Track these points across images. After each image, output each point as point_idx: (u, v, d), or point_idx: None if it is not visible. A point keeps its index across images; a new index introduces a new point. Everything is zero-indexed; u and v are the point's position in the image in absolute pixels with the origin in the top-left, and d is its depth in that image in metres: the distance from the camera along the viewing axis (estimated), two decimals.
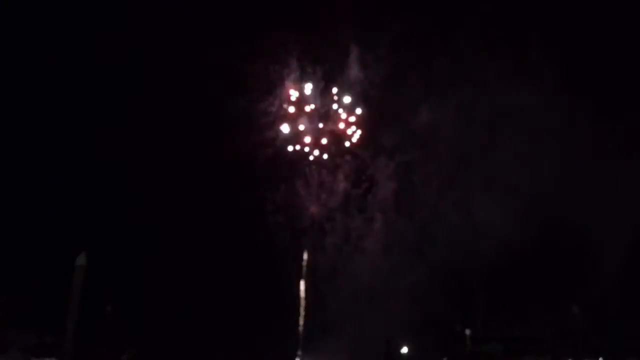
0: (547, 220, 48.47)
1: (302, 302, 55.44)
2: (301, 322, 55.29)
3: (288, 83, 54.79)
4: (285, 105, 55.14)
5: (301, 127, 54.50)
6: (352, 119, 55.40)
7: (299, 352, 54.03)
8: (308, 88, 54.68)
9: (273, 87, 54.49)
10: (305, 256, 56.28)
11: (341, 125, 55.45)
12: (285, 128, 53.82)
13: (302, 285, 55.47)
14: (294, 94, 54.71)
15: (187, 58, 50.59)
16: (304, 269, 56.06)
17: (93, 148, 49.12)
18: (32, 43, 49.14)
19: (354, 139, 55.61)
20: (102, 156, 49.66)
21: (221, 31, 50.11)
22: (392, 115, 55.96)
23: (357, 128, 55.60)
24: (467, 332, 44.60)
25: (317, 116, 55.77)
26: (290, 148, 54.98)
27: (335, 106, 55.26)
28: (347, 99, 55.21)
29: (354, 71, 55.86)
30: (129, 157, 49.70)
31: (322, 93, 55.74)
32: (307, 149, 55.67)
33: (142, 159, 50.35)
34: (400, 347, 49.42)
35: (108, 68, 50.18)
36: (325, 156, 56.19)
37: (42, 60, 48.73)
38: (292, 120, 54.73)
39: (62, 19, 50.21)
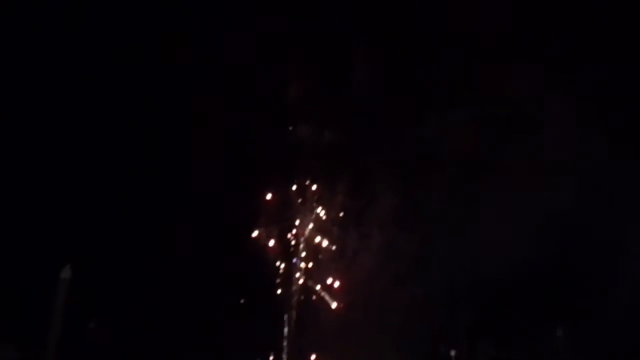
0: (549, 241, 48.34)
1: (289, 316, 55.20)
2: (286, 334, 55.18)
3: None
4: None
5: None
6: None
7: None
8: None
9: None
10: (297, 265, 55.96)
11: None
12: None
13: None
14: None
15: None
16: (295, 281, 55.83)
17: (76, 160, 48.95)
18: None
19: None
20: (85, 167, 49.53)
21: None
22: (393, 123, 55.24)
23: None
24: (452, 353, 44.64)
25: None
26: None
27: None
28: None
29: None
30: (115, 167, 49.69)
31: None
32: None
33: (128, 167, 50.30)
34: None
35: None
36: None
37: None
38: None
39: None
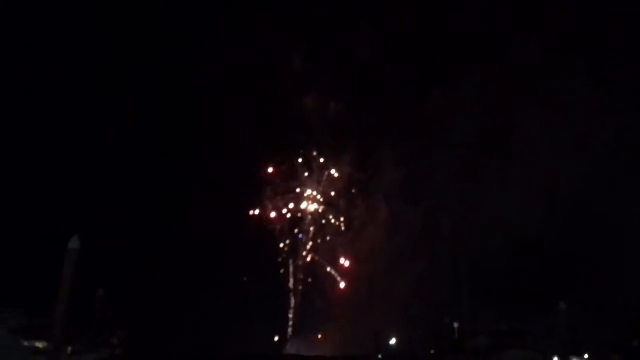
0: (554, 216, 48.39)
1: (295, 290, 55.44)
2: (292, 307, 55.46)
3: None
4: None
5: None
6: None
7: (290, 337, 54.28)
8: None
9: None
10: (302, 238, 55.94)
11: None
12: None
13: (291, 269, 55.43)
14: None
15: None
16: (300, 255, 55.89)
17: (84, 132, 49.15)
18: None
19: None
20: (93, 139, 49.75)
21: None
22: (400, 98, 54.62)
23: None
24: (456, 325, 44.96)
25: None
26: None
27: None
28: None
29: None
30: (122, 141, 49.84)
31: None
32: None
33: (135, 143, 50.44)
34: (390, 339, 49.75)
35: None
36: None
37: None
38: None
39: None
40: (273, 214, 55.47)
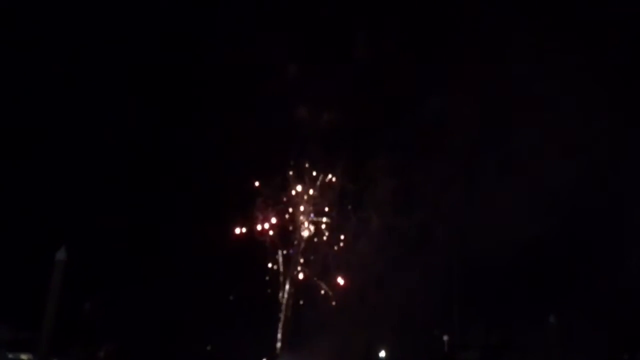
0: (544, 229, 48.17)
1: (284, 303, 55.05)
2: (281, 322, 55.05)
3: None
4: None
5: None
6: None
7: (278, 352, 53.89)
8: None
9: None
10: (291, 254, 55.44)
11: None
12: None
13: (286, 286, 55.04)
14: None
15: None
16: (290, 269, 55.46)
17: (70, 142, 48.85)
18: None
19: None
20: (80, 150, 49.45)
21: None
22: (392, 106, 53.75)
23: None
24: (445, 338, 44.91)
25: None
26: None
27: None
28: None
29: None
30: (108, 152, 49.55)
31: None
32: None
33: (118, 155, 50.11)
34: (379, 351, 49.58)
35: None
36: None
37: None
38: None
39: None
40: (262, 227, 55.09)
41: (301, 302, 54.47)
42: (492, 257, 47.67)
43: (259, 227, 54.19)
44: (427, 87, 52.84)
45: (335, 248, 54.82)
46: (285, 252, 55.11)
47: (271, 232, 54.20)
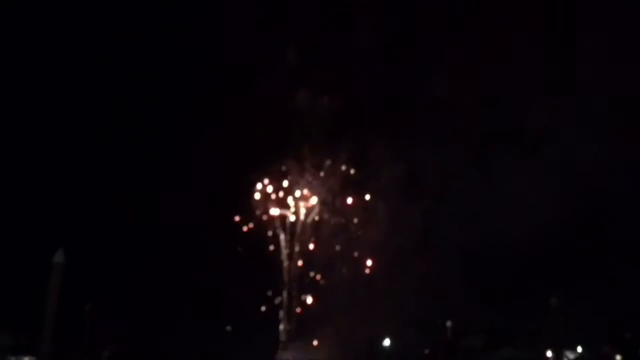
0: (547, 214, 47.83)
1: (289, 295, 54.66)
2: (284, 313, 54.79)
3: None
4: None
5: None
6: None
7: (282, 343, 53.73)
8: None
9: None
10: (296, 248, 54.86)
11: None
12: None
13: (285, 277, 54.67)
14: None
15: None
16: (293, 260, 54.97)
17: (70, 147, 48.51)
18: None
19: None
20: (78, 154, 49.13)
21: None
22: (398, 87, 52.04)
23: None
24: (448, 324, 44.89)
25: None
26: None
27: None
28: None
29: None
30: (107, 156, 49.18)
31: None
32: None
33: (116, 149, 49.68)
34: (383, 340, 49.52)
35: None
36: None
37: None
38: None
39: None
40: (265, 216, 54.64)
41: (305, 290, 54.10)
42: (495, 244, 47.58)
43: (264, 218, 53.82)
44: (432, 70, 51.66)
45: (339, 231, 54.26)
46: (288, 240, 54.76)
47: (271, 222, 53.95)
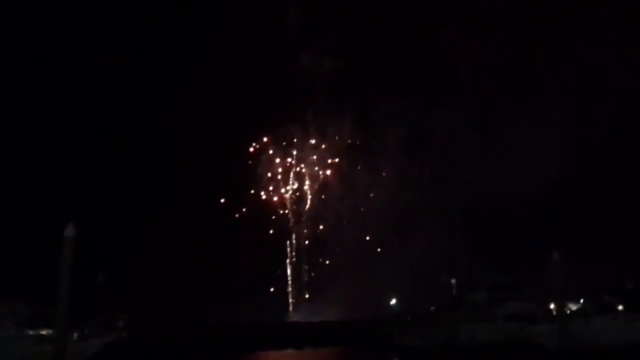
0: (551, 168, 47.88)
1: (298, 258, 55.36)
2: (290, 276, 55.59)
3: None
4: None
5: None
6: None
7: (292, 305, 54.73)
8: None
9: None
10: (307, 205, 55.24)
11: None
12: None
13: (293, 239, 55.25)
14: None
15: None
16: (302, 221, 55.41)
17: (72, 122, 48.90)
18: None
19: None
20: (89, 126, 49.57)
21: None
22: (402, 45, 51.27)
23: None
24: (453, 281, 45.66)
25: None
26: None
27: None
28: None
29: None
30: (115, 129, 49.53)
31: None
32: None
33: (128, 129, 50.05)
34: (390, 299, 50.48)
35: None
36: None
37: None
38: None
39: None
40: (270, 188, 54.99)
41: (313, 253, 54.67)
42: (497, 200, 47.94)
43: (270, 188, 54.26)
44: (436, 26, 50.98)
45: (346, 199, 54.65)
46: (294, 207, 55.35)
47: (277, 190, 54.44)
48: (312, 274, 55.53)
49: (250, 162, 52.96)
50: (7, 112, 45.52)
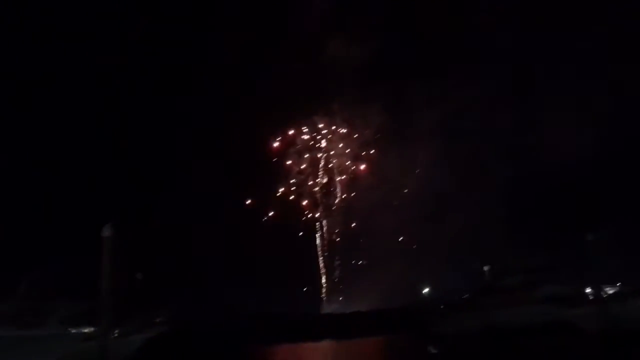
0: (585, 150, 47.03)
1: (330, 249, 55.21)
2: (323, 268, 55.61)
3: None
4: None
5: None
6: None
7: (325, 296, 54.82)
8: None
9: None
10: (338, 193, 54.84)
11: None
12: None
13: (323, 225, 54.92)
14: None
15: None
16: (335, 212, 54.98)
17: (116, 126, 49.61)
18: None
19: None
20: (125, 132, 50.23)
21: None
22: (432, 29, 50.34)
23: None
24: (486, 268, 45.34)
25: None
26: None
27: None
28: None
29: None
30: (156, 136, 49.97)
31: None
32: None
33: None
34: (423, 288, 50.44)
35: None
36: None
37: None
38: None
39: None
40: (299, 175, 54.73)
41: (346, 245, 54.29)
42: (535, 180, 47.04)
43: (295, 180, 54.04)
44: (464, 10, 49.99)
45: (378, 190, 53.78)
46: (324, 200, 55.15)
47: (306, 183, 54.22)
48: (345, 266, 55.42)
49: (275, 159, 52.68)
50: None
